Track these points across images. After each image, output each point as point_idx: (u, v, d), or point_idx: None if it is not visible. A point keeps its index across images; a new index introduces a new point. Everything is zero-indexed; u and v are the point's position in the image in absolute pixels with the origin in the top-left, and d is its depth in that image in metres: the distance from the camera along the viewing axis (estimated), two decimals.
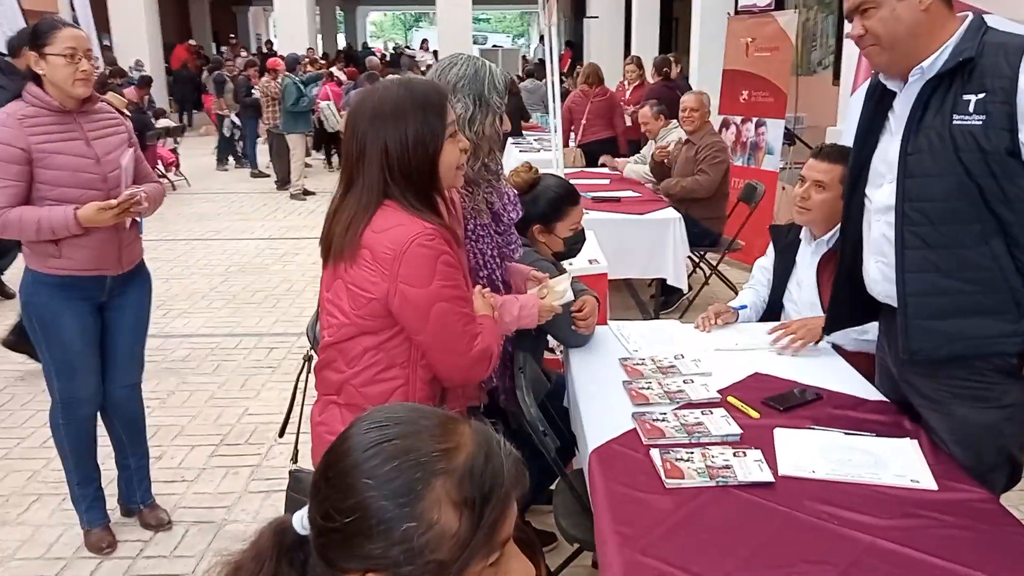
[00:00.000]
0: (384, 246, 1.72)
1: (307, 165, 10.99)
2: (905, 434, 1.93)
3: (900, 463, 1.79)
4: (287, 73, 10.10)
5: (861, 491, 1.69)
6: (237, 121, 12.03)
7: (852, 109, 3.92)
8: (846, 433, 1.93)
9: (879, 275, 2.00)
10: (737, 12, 7.92)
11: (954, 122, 1.78)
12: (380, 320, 1.78)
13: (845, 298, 2.17)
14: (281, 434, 2.53)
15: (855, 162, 2.07)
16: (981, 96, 1.75)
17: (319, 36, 21.63)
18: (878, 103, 2.00)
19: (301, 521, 0.92)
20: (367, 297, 1.76)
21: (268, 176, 11.10)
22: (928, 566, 1.46)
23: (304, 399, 2.41)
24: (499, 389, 2.32)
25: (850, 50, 4.91)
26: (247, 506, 3.20)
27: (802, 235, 2.79)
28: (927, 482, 1.72)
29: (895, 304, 1.94)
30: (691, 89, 7.81)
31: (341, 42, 28.58)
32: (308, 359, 2.26)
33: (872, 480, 1.73)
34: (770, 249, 2.96)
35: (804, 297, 2.72)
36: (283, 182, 10.58)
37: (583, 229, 2.85)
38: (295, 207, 9.49)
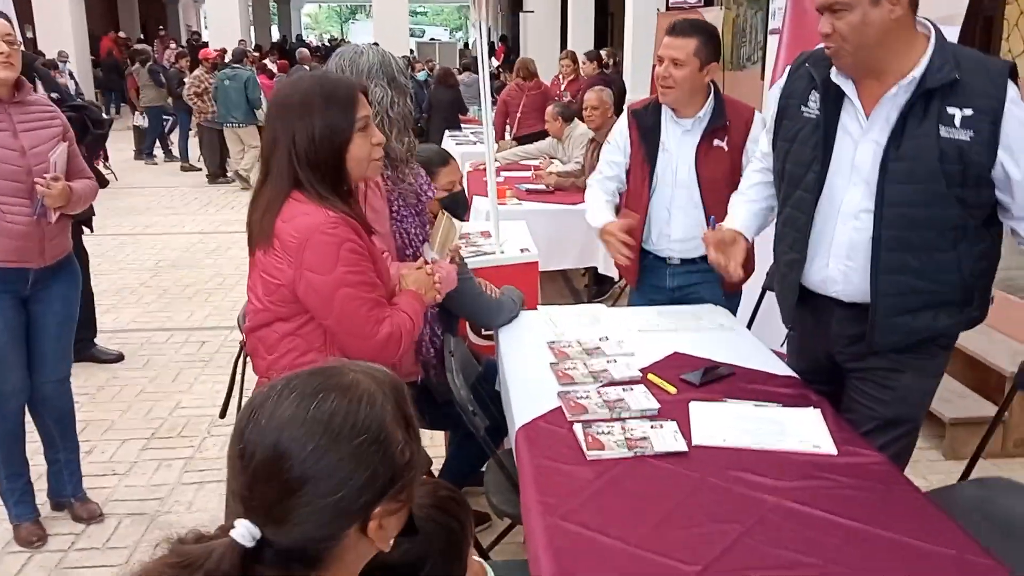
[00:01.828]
0: (289, 234, 1.77)
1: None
2: (809, 404, 2.05)
3: (803, 431, 1.91)
4: (236, 66, 10.02)
5: (767, 457, 1.81)
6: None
7: (771, 101, 4.07)
8: (755, 404, 2.04)
9: (840, 276, 2.06)
10: (668, 8, 8.10)
11: (940, 134, 1.86)
12: (290, 306, 1.84)
13: (794, 293, 2.19)
14: (222, 415, 2.56)
15: (822, 164, 2.04)
16: (968, 112, 1.84)
17: (252, 28, 21.25)
18: (834, 102, 2.02)
19: (248, 532, 0.92)
20: (275, 284, 1.81)
21: (199, 170, 10.91)
22: (827, 523, 1.57)
23: (243, 382, 2.47)
24: (429, 364, 2.39)
25: (773, 46, 5.07)
26: (180, 497, 3.20)
27: (664, 116, 2.79)
28: (828, 447, 1.84)
29: (847, 300, 2.07)
30: (623, 83, 7.95)
31: (275, 34, 28.12)
32: (243, 344, 2.30)
33: (777, 447, 1.84)
34: (620, 137, 2.91)
35: (680, 176, 2.77)
36: (214, 176, 10.43)
37: (462, 191, 2.94)
38: (227, 201, 9.36)
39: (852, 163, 2.00)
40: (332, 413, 0.93)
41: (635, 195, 2.88)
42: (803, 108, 2.10)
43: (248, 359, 2.09)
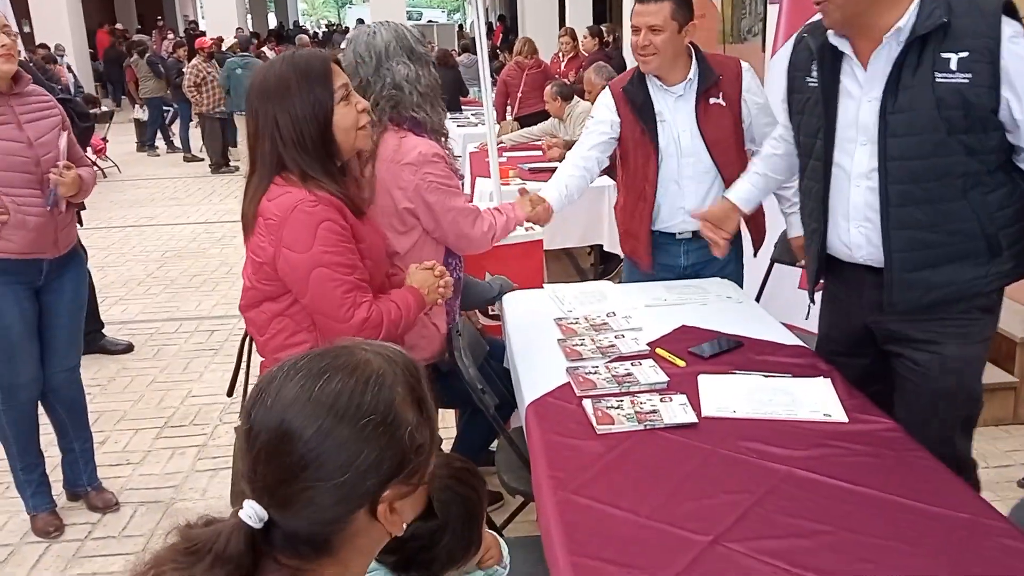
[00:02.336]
0: (271, 212, 1.79)
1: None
2: (819, 374, 2.05)
3: (814, 399, 1.91)
4: (244, 53, 10.27)
5: (778, 427, 1.80)
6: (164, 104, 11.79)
7: (774, 73, 4.04)
8: (765, 375, 2.04)
9: (862, 239, 2.03)
10: None
11: (936, 80, 1.82)
12: (275, 284, 1.86)
13: (821, 261, 2.16)
14: (230, 393, 2.58)
15: (826, 129, 2.03)
16: (964, 55, 1.80)
17: (249, 16, 21.16)
18: (831, 66, 2.01)
19: (254, 513, 0.92)
20: (259, 262, 1.84)
21: (201, 160, 10.90)
22: (839, 490, 1.57)
23: (250, 362, 2.49)
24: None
25: (773, 16, 5.03)
26: (195, 484, 3.22)
27: (651, 87, 2.72)
28: (839, 415, 1.84)
29: (876, 265, 2.01)
30: (623, 59, 7.90)
31: (272, 21, 27.98)
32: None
33: (788, 416, 1.84)
34: (607, 114, 2.81)
35: (684, 144, 2.70)
36: (217, 166, 10.43)
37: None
38: (231, 190, 9.35)
39: (856, 124, 1.97)
40: (338, 394, 0.91)
41: (638, 174, 2.78)
42: (807, 79, 2.08)
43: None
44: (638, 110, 2.73)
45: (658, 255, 2.85)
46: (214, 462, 3.38)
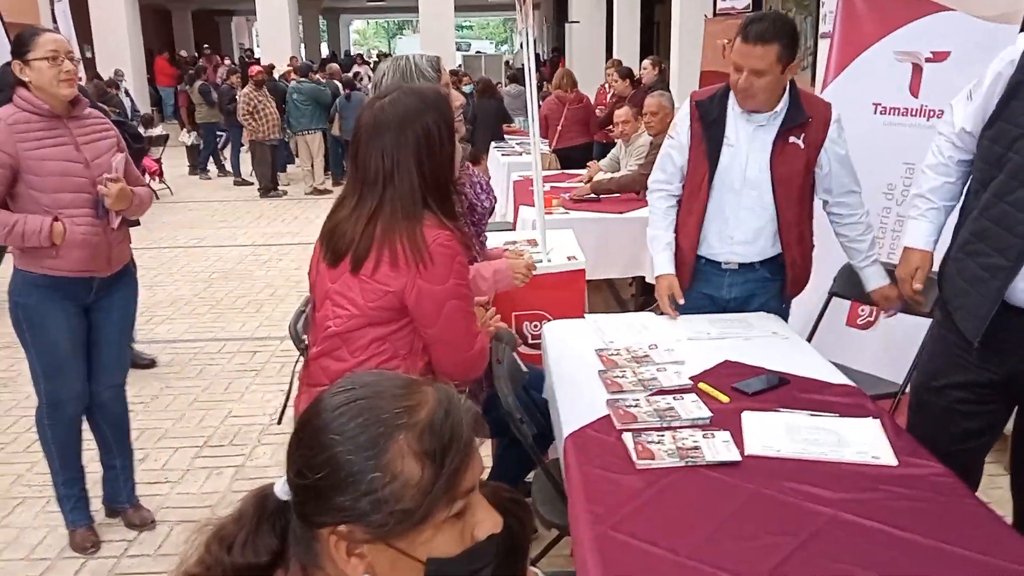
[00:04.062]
0: (407, 246, 1.82)
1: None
2: (868, 414, 1.99)
3: (862, 441, 1.85)
4: (302, 79, 10.90)
5: (824, 468, 1.75)
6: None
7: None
8: (811, 414, 1.99)
9: None
10: (715, 14, 8.03)
11: None
12: (392, 312, 1.88)
13: (994, 303, 1.93)
14: (279, 421, 2.55)
15: None
16: None
17: (302, 45, 21.65)
18: None
19: (282, 487, 0.98)
20: (384, 290, 1.85)
21: (251, 184, 11.11)
22: (885, 535, 1.52)
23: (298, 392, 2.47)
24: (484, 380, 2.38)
25: (824, 49, 4.98)
26: (232, 505, 3.23)
27: (730, 108, 2.63)
28: (887, 458, 1.78)
29: None
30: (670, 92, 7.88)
31: (324, 50, 28.60)
32: (303, 352, 2.30)
33: (835, 457, 1.78)
34: (682, 130, 2.72)
35: (750, 175, 2.62)
36: (266, 190, 10.62)
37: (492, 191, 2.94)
38: (279, 214, 9.51)
39: None
40: (351, 404, 0.93)
41: (693, 194, 2.70)
42: None
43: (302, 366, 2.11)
44: (707, 127, 2.64)
45: (702, 285, 2.79)
46: (251, 483, 3.38)
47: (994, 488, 3.18)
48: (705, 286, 2.79)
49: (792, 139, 2.59)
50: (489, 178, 2.95)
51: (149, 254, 7.34)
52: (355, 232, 1.86)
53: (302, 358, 2.32)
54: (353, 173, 1.92)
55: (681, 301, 2.70)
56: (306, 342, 2.45)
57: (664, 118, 5.08)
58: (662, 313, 2.75)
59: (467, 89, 12.64)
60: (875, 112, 3.74)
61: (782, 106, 2.59)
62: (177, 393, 4.35)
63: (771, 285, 2.77)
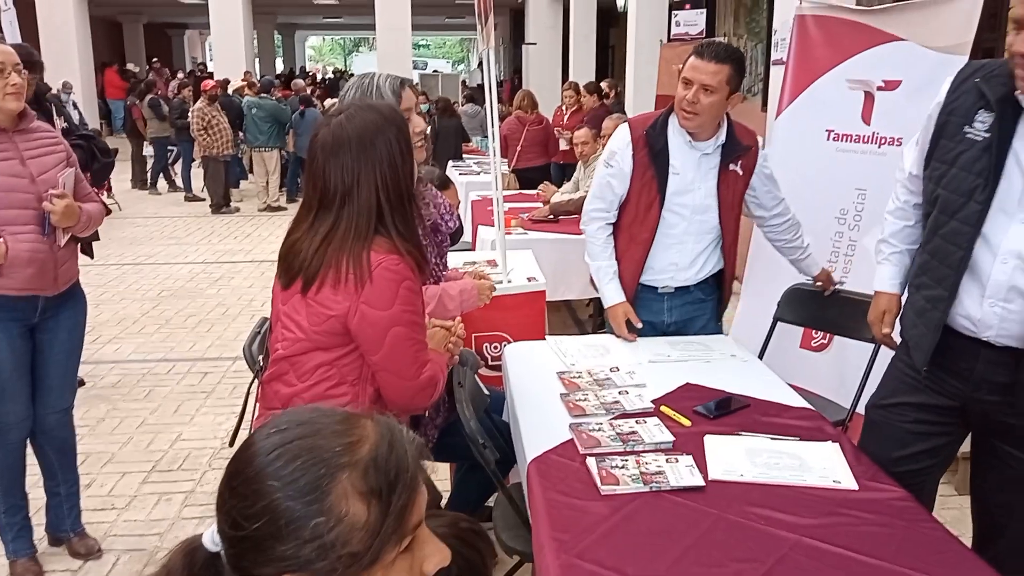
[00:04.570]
0: (352, 269, 1.77)
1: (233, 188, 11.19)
2: (827, 438, 2.01)
3: (823, 465, 1.86)
4: (263, 95, 10.72)
5: (787, 492, 1.76)
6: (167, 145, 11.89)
7: (779, 131, 4.07)
8: (772, 438, 2.00)
9: (995, 319, 1.84)
10: (670, 40, 8.15)
11: None
12: (336, 337, 1.82)
13: (937, 332, 1.96)
14: (231, 443, 2.49)
15: (986, 195, 1.81)
16: None
17: (256, 60, 21.44)
18: (1011, 126, 1.78)
19: (212, 538, 0.92)
20: (327, 314, 1.80)
21: (203, 200, 10.93)
22: (850, 561, 1.52)
23: (255, 411, 2.41)
24: (442, 404, 2.35)
25: (776, 77, 5.09)
26: (180, 533, 3.13)
27: (673, 138, 2.66)
28: (848, 482, 1.80)
29: (1006, 345, 1.84)
30: (625, 112, 7.97)
31: (279, 66, 28.37)
32: (258, 375, 2.24)
33: (797, 482, 1.79)
34: (623, 160, 2.70)
35: (694, 201, 2.68)
36: (218, 206, 10.46)
37: (458, 215, 2.94)
38: (231, 231, 9.36)
39: (1021, 197, 1.77)
40: (287, 446, 0.87)
41: (639, 222, 2.72)
42: (967, 128, 1.85)
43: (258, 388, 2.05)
44: (654, 156, 2.67)
45: (642, 312, 2.79)
46: (201, 509, 3.29)
47: (946, 509, 3.24)
48: (645, 313, 2.80)
49: (732, 166, 2.71)
50: (458, 203, 2.94)
51: (96, 271, 7.15)
52: (308, 251, 1.82)
53: (257, 380, 2.28)
54: (310, 191, 1.87)
55: (639, 325, 2.72)
56: (261, 364, 2.40)
57: (595, 148, 5.19)
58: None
59: (424, 107, 12.68)
60: (828, 138, 3.82)
61: (721, 135, 2.67)
62: (124, 416, 4.22)
63: (705, 305, 2.85)
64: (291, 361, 1.87)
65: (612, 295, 2.76)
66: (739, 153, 2.69)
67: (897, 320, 2.19)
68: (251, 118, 10.45)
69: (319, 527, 0.84)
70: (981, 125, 1.83)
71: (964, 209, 1.85)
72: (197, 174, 11.23)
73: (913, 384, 2.07)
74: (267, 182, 10.72)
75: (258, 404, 2.04)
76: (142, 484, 3.50)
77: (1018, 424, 1.90)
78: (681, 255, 2.74)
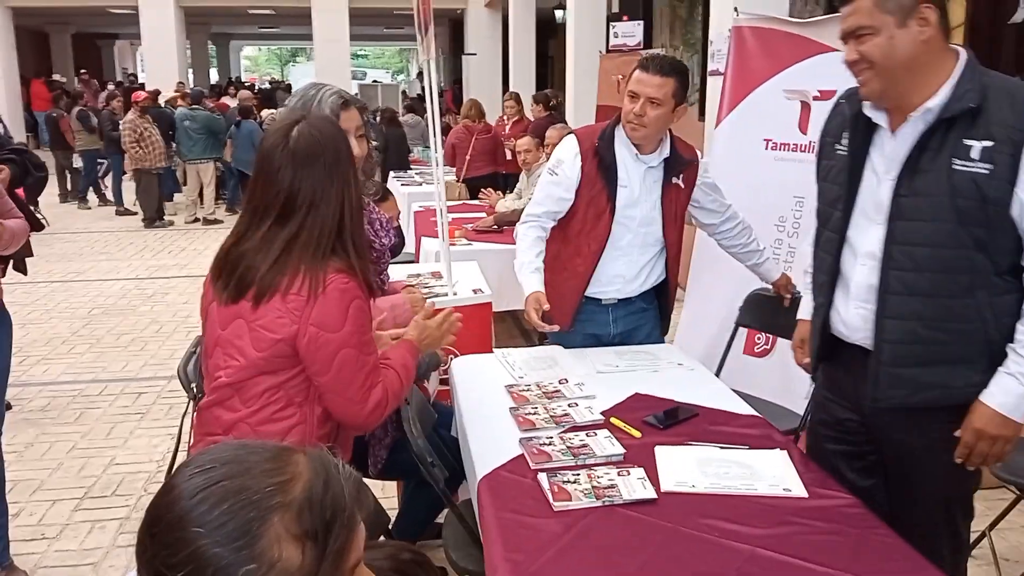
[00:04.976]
0: (298, 289, 1.71)
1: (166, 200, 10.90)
2: (776, 445, 2.02)
3: (773, 473, 1.87)
4: (195, 106, 10.44)
5: (738, 502, 1.75)
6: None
7: (718, 141, 4.13)
8: (721, 447, 2.00)
9: (860, 321, 1.89)
10: (608, 51, 8.22)
11: (953, 166, 1.71)
12: (283, 360, 1.76)
13: (825, 340, 2.03)
14: (169, 471, 2.36)
15: (846, 200, 1.91)
16: (988, 144, 1.68)
17: (190, 70, 20.99)
18: (864, 138, 1.89)
19: None
20: (273, 338, 1.73)
21: (134, 214, 10.62)
22: (803, 570, 1.52)
23: (191, 438, 2.31)
24: (390, 423, 2.29)
25: (713, 87, 5.16)
26: (115, 562, 3.00)
27: (621, 151, 2.66)
28: (798, 490, 1.80)
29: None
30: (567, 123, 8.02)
31: (214, 76, 27.83)
32: (194, 398, 2.15)
33: (748, 491, 1.79)
34: (570, 170, 2.68)
35: (640, 214, 2.68)
36: (151, 220, 10.18)
37: (399, 227, 2.89)
38: (164, 245, 9.10)
39: (874, 201, 1.85)
40: (215, 486, 0.81)
41: (586, 234, 2.70)
42: (836, 146, 1.97)
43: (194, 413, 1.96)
44: (604, 169, 2.66)
45: (586, 325, 2.77)
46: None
47: None
48: (589, 326, 2.79)
49: (675, 180, 2.73)
50: (398, 213, 2.88)
51: (22, 289, 6.86)
52: (265, 261, 1.73)
53: (192, 403, 2.19)
54: (268, 198, 1.76)
55: (546, 306, 2.57)
56: (196, 388, 2.31)
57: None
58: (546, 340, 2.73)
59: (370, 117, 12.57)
60: (766, 147, 3.88)
61: (664, 148, 2.69)
62: (54, 440, 4.04)
63: (648, 314, 2.86)
64: (236, 387, 1.80)
65: (531, 284, 2.65)
66: (681, 167, 2.72)
67: None
68: (184, 130, 10.19)
69: (249, 575, 0.78)
70: (846, 141, 1.94)
71: (832, 218, 1.96)
72: (128, 187, 10.90)
73: (826, 400, 2.10)
74: (201, 194, 10.47)
75: (194, 430, 1.95)
76: (74, 512, 3.35)
77: (889, 433, 1.93)
78: (628, 267, 2.74)
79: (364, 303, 1.78)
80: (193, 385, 2.36)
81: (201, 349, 2.02)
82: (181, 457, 2.39)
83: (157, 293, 6.97)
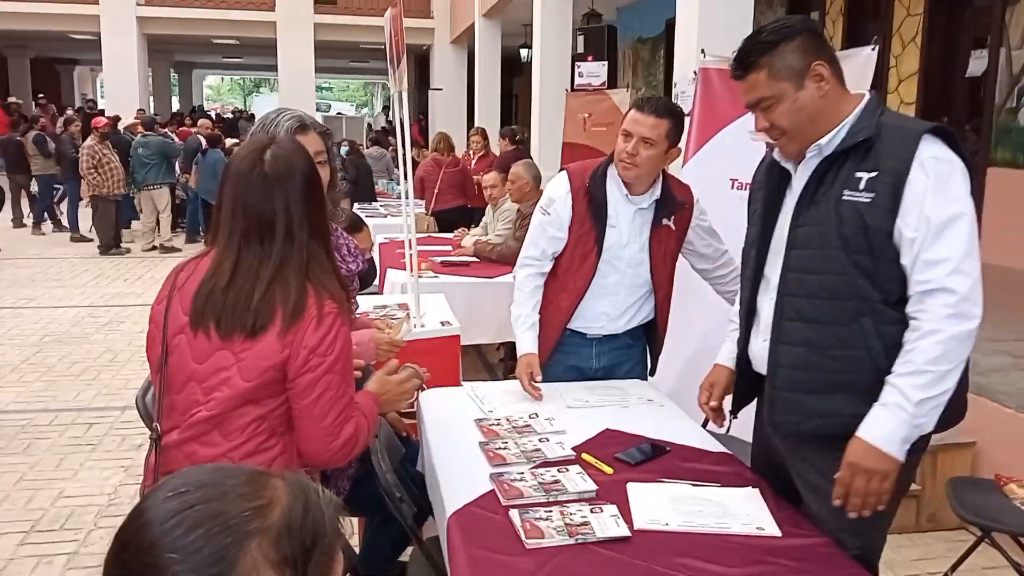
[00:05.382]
0: (292, 313, 1.67)
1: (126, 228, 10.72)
2: (747, 483, 2.01)
3: (745, 512, 1.85)
4: (149, 132, 10.31)
5: (712, 541, 1.73)
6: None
7: (685, 181, 4.16)
8: (694, 485, 1.98)
9: (764, 352, 1.95)
10: (574, 89, 8.34)
11: (843, 197, 1.78)
12: (271, 387, 1.70)
13: (746, 376, 2.09)
14: None
15: (761, 239, 2.00)
16: (873, 174, 1.75)
17: (151, 98, 20.77)
18: (778, 183, 1.98)
19: None
20: (264, 365, 1.67)
21: (90, 240, 10.41)
22: None
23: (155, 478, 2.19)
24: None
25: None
26: None
27: (612, 191, 2.67)
28: (771, 529, 1.79)
29: None
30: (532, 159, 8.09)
31: (176, 104, 27.60)
32: (157, 439, 2.03)
33: (721, 530, 1.78)
34: (562, 208, 2.70)
35: (628, 254, 2.68)
36: (107, 247, 9.99)
37: (372, 259, 2.85)
38: (120, 273, 8.92)
39: (781, 236, 1.94)
40: (191, 511, 0.77)
41: (573, 271, 2.71)
42: (760, 191, 2.06)
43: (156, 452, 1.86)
44: (594, 208, 2.67)
45: (569, 357, 2.77)
46: (86, 573, 3.04)
47: None
48: (573, 358, 2.78)
49: (665, 221, 2.71)
50: (371, 244, 2.84)
51: None
52: (256, 291, 1.68)
53: (156, 447, 2.06)
54: (239, 222, 1.71)
55: (539, 378, 2.61)
56: (157, 427, 2.18)
57: (521, 187, 5.20)
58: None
59: (343, 149, 12.51)
60: (732, 187, 3.93)
61: (656, 190, 2.68)
62: (1, 471, 3.89)
63: (633, 351, 2.84)
64: (217, 420, 1.71)
65: (525, 344, 2.70)
66: (672, 209, 2.69)
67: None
68: (137, 158, 10.05)
69: None
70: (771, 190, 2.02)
71: (749, 258, 2.06)
72: (85, 214, 10.69)
73: (764, 436, 2.11)
74: (157, 221, 10.29)
75: (149, 470, 1.84)
76: (20, 546, 3.22)
77: (794, 463, 1.97)
78: (612, 306, 2.73)
79: (348, 331, 1.74)
80: (156, 425, 2.25)
81: (155, 386, 1.92)
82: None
83: (112, 321, 6.81)
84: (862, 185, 1.77)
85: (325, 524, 0.81)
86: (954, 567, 2.84)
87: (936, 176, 1.71)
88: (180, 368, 1.75)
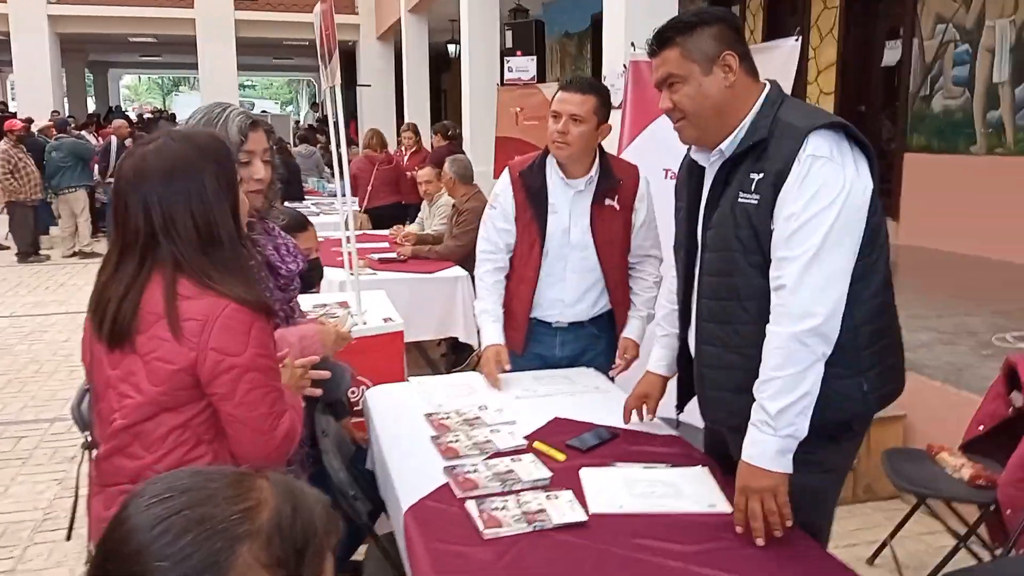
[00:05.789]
0: (191, 314, 1.57)
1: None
2: (696, 462, 2.05)
3: (697, 490, 1.90)
4: (61, 134, 10.07)
5: (667, 520, 1.77)
6: None
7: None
8: (645, 467, 2.02)
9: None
10: (504, 84, 8.35)
11: (738, 199, 1.80)
12: (185, 393, 1.61)
13: (688, 370, 2.09)
14: (68, 537, 2.13)
15: (688, 243, 2.02)
16: (760, 176, 1.76)
17: (65, 99, 20.01)
18: (697, 183, 1.98)
19: None
20: (170, 369, 1.58)
21: (7, 248, 9.99)
22: None
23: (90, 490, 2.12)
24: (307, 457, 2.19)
25: (612, 119, 5.30)
26: None
27: (551, 176, 2.71)
28: (723, 506, 1.83)
29: None
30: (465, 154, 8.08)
31: (91, 105, 26.63)
32: (88, 447, 1.95)
33: (675, 509, 1.81)
34: (504, 201, 2.76)
35: (574, 238, 2.70)
36: (25, 255, 9.61)
37: (318, 259, 2.84)
38: (41, 281, 8.59)
39: (702, 231, 1.96)
40: (179, 513, 0.76)
41: (522, 260, 2.76)
42: (683, 191, 2.07)
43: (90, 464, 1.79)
44: (532, 196, 2.71)
45: (533, 345, 2.81)
46: None
47: None
48: (536, 346, 2.82)
49: (608, 201, 2.72)
50: (317, 246, 2.80)
51: None
52: (122, 300, 1.59)
53: (85, 455, 1.99)
54: (117, 231, 1.64)
55: (507, 367, 2.65)
56: (90, 432, 2.11)
57: (447, 183, 5.30)
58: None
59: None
60: (666, 177, 3.98)
61: (595, 171, 2.71)
62: None
63: (600, 342, 2.86)
64: (134, 431, 1.63)
65: (489, 336, 2.73)
66: (612, 185, 2.71)
67: None
68: (52, 161, 9.70)
69: None
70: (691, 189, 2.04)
71: (678, 258, 2.09)
72: (1, 221, 10.26)
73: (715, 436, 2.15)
74: (76, 225, 9.93)
75: (91, 481, 1.78)
76: None
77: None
78: (564, 292, 2.75)
79: (266, 325, 1.65)
80: (87, 434, 2.17)
81: (90, 393, 1.85)
82: (81, 508, 2.22)
83: (35, 331, 6.56)
84: (752, 187, 1.78)
85: (315, 523, 0.81)
86: (893, 534, 2.96)
87: (807, 174, 1.69)
88: (100, 375, 1.67)
